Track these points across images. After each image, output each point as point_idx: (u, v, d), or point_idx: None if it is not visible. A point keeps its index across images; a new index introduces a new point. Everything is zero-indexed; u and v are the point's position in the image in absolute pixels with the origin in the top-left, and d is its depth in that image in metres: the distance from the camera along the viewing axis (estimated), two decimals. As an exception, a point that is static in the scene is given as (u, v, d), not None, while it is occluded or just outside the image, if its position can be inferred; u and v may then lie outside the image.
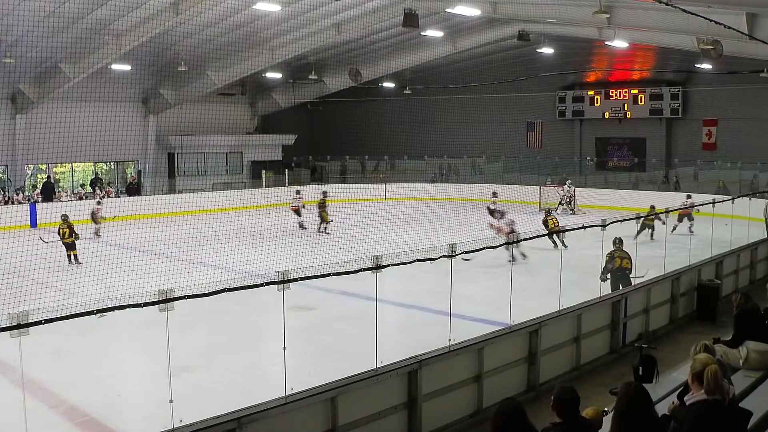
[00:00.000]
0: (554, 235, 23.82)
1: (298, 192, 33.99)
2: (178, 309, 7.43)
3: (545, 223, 26.72)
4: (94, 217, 30.71)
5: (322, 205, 31.77)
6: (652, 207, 26.78)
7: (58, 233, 24.15)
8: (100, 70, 32.92)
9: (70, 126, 29.28)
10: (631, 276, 16.25)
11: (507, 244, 11.48)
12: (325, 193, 32.32)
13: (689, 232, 25.27)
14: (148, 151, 42.47)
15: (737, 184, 38.04)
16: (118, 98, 37.16)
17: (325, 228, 31.15)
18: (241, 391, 10.08)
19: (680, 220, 28.25)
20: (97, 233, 30.11)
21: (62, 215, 24.53)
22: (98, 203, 32.01)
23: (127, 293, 7.93)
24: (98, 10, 26.73)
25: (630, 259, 16.37)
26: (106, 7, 26.39)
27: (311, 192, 35.34)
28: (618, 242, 16.38)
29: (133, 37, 29.62)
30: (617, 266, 16.37)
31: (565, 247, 21.06)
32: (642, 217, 23.32)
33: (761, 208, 26.82)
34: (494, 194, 33.69)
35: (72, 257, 23.65)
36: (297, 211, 32.80)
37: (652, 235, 25.65)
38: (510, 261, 16.70)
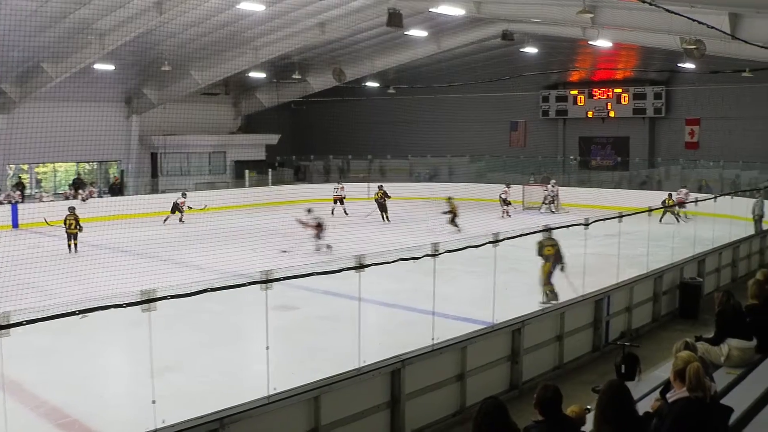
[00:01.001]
0: (455, 219, 29.78)
1: (339, 183, 38.81)
2: (161, 309, 7.41)
3: (450, 211, 30.39)
4: (179, 208, 34.64)
5: (384, 196, 35.22)
6: (670, 195, 31.65)
7: (64, 223, 26.11)
8: (83, 69, 32.73)
9: (52, 126, 29.16)
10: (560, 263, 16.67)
11: (490, 243, 11.48)
12: (381, 187, 35.96)
13: (685, 219, 26.03)
14: (131, 151, 42.26)
15: (719, 183, 38.30)
16: (101, 98, 36.99)
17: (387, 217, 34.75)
18: (224, 392, 10.05)
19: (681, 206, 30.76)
20: (180, 220, 34.10)
21: (70, 207, 26.83)
22: (183, 195, 35.31)
23: (109, 293, 7.91)
24: (81, 10, 26.61)
25: (556, 247, 16.66)
26: (89, 6, 26.27)
27: (295, 191, 35.43)
28: (546, 230, 16.49)
29: (116, 36, 29.49)
30: (545, 254, 16.76)
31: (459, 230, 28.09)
32: (663, 207, 27.96)
33: (743, 207, 26.96)
34: (508, 186, 37.54)
35: (73, 246, 25.99)
36: (340, 200, 37.75)
37: (678, 218, 26.83)
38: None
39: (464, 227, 28.04)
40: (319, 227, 25.36)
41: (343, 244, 21.98)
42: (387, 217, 34.69)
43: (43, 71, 32.86)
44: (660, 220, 27.54)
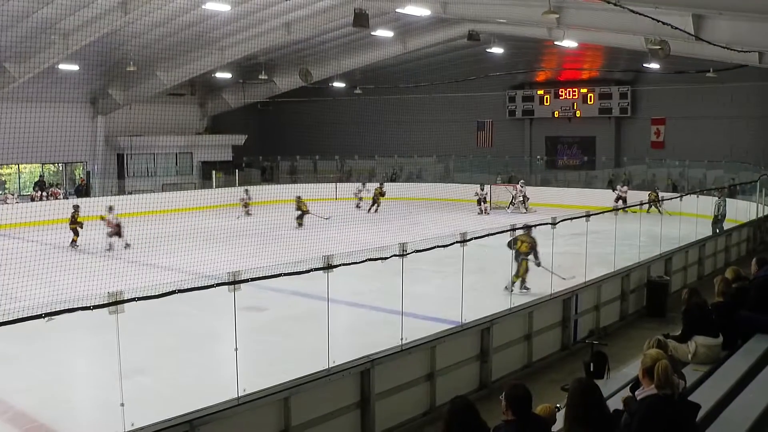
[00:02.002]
0: (303, 217, 32.21)
1: (364, 185, 41.46)
2: (129, 311, 7.35)
3: (299, 207, 32.81)
4: (245, 202, 37.03)
5: (380, 194, 39.56)
6: (655, 190, 33.12)
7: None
8: (47, 69, 32.44)
9: (16, 127, 28.81)
10: (528, 259, 17.59)
11: (458, 242, 11.49)
12: (381, 185, 40.38)
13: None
14: (97, 152, 41.93)
15: (684, 182, 38.77)
16: (65, 99, 36.55)
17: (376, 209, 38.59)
18: (193, 394, 9.97)
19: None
20: (248, 213, 36.27)
21: (74, 205, 28.26)
22: (246, 192, 37.33)
23: (76, 296, 7.83)
24: (44, 9, 26.35)
25: (529, 244, 17.55)
26: (52, 5, 26.00)
27: (262, 192, 35.51)
28: (526, 228, 17.03)
29: (80, 36, 29.19)
30: (517, 248, 17.58)
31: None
32: (647, 202, 27.93)
33: (710, 206, 27.24)
34: (481, 188, 38.68)
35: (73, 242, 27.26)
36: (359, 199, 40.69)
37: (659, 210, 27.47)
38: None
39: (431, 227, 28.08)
40: (118, 227, 26.47)
41: (311, 245, 21.94)
42: (376, 210, 38.27)
43: (6, 71, 32.54)
44: (648, 211, 27.52)
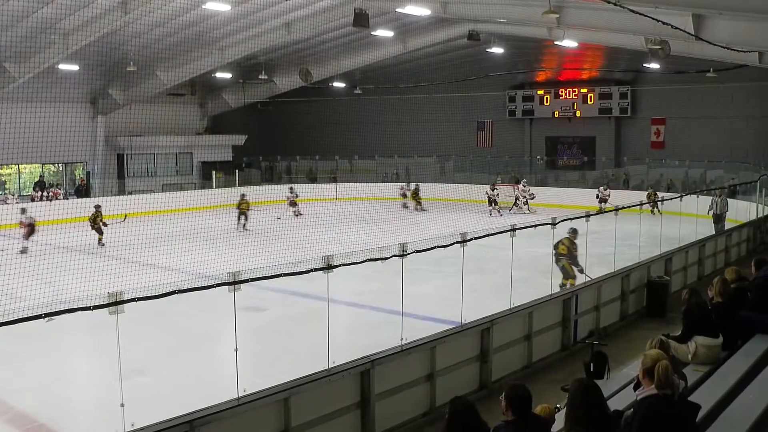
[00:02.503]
0: (244, 216, 32.12)
1: (408, 184, 42.39)
2: (129, 312, 7.35)
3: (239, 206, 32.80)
4: (293, 202, 37.00)
5: (415, 194, 40.59)
6: (655, 193, 32.56)
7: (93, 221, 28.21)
8: (47, 69, 32.43)
9: (16, 127, 28.81)
10: (563, 262, 17.28)
11: (458, 243, 11.49)
12: (417, 185, 41.13)
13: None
14: (97, 153, 41.94)
15: (681, 181, 38.86)
16: (65, 98, 36.53)
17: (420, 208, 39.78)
18: (193, 394, 9.96)
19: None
20: (297, 213, 36.30)
21: (96, 205, 28.88)
22: (291, 191, 37.24)
23: (76, 296, 7.82)
24: (44, 9, 26.35)
25: (564, 246, 17.16)
26: (52, 5, 26.00)
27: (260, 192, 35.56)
28: (570, 232, 16.95)
29: (80, 36, 29.19)
30: (557, 251, 17.33)
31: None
32: (646, 203, 26.63)
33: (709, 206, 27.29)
34: (492, 187, 38.48)
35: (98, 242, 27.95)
36: (404, 195, 41.67)
37: (653, 211, 27.04)
38: None
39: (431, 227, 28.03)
40: (31, 227, 26.66)
41: (311, 245, 21.95)
42: (422, 208, 39.42)
43: (6, 71, 32.52)
44: (652, 212, 27.33)
